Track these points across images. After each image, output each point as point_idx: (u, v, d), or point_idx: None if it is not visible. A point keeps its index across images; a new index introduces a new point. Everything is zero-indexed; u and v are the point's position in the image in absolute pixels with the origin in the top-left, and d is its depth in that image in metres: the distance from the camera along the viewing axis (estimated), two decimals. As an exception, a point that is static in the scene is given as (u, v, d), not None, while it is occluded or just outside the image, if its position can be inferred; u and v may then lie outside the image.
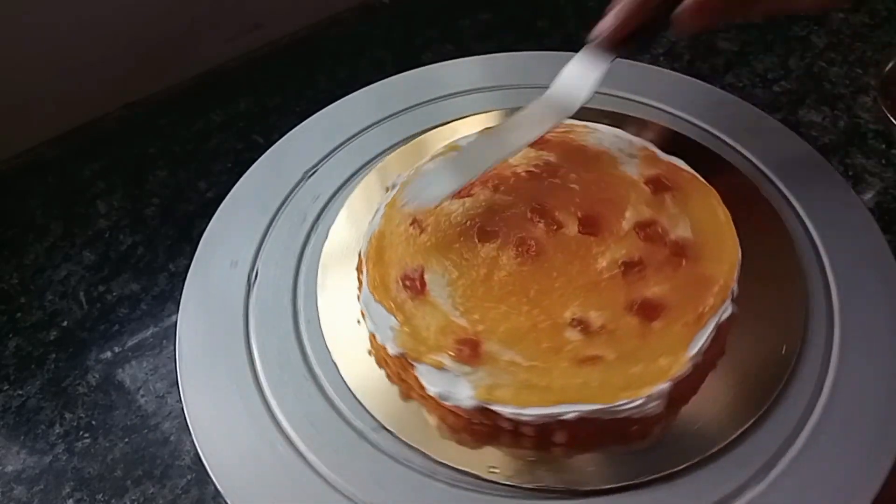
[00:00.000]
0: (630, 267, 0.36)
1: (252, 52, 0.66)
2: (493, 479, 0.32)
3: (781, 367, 0.35)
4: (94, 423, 0.43)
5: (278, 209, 0.45)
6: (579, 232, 0.37)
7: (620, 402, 0.32)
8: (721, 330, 0.34)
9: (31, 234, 0.53)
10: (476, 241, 0.38)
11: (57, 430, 0.43)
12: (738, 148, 0.45)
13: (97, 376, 0.45)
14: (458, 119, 0.48)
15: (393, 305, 0.36)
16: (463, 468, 0.33)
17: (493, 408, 0.32)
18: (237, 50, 0.65)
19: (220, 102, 0.61)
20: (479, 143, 0.39)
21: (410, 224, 0.39)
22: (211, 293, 0.41)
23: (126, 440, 0.42)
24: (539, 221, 0.38)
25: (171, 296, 0.49)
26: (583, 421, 0.32)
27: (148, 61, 0.61)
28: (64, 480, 0.41)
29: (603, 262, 0.36)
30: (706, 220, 0.37)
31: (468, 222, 0.38)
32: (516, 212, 0.38)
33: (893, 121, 0.48)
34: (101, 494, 0.40)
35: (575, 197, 0.39)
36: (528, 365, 0.33)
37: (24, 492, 0.40)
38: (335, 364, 0.37)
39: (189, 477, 0.40)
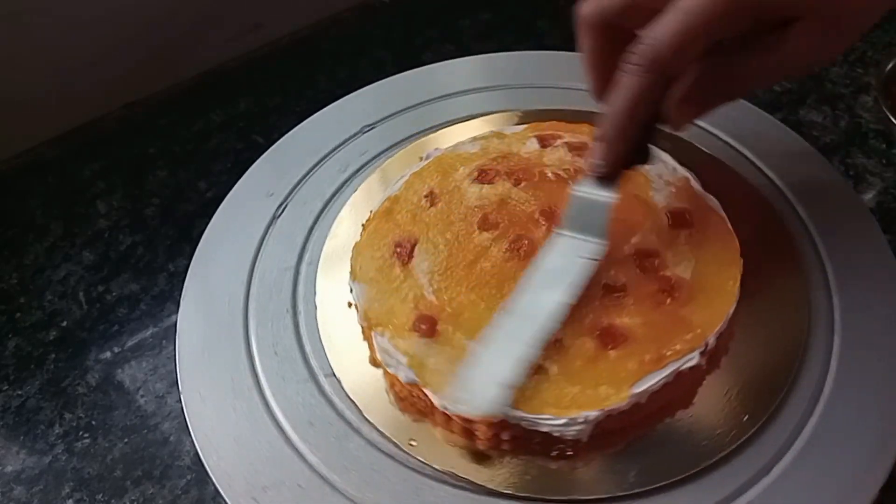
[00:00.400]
0: (610, 290, 0.34)
1: (252, 52, 0.66)
2: (488, 486, 0.32)
3: (783, 373, 0.35)
4: (93, 423, 0.43)
5: (278, 209, 0.45)
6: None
7: (543, 416, 0.31)
8: (683, 378, 0.33)
9: (31, 234, 0.53)
10: (475, 227, 0.38)
11: (56, 431, 0.43)
12: (739, 148, 0.45)
13: (97, 376, 0.45)
14: (458, 119, 0.48)
15: (379, 264, 0.37)
16: (456, 471, 0.33)
17: (423, 388, 0.33)
18: (237, 50, 0.65)
19: (220, 102, 0.61)
20: (509, 322, 0.33)
21: (425, 196, 0.40)
22: (211, 293, 0.41)
23: (126, 440, 0.42)
24: (544, 224, 0.37)
25: (170, 296, 0.49)
26: (505, 424, 0.32)
27: (148, 61, 0.61)
28: (63, 480, 0.41)
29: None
30: (712, 268, 0.36)
31: (476, 208, 0.38)
32: (526, 209, 0.38)
33: (894, 120, 0.48)
34: (100, 494, 0.40)
35: None
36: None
37: (24, 492, 0.40)
38: (332, 368, 0.37)
39: (189, 477, 0.40)
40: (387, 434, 0.34)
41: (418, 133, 0.48)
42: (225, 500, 0.33)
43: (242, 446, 0.35)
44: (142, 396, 0.44)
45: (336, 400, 0.36)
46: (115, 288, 0.50)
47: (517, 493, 0.32)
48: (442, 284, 0.36)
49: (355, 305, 0.37)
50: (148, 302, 0.49)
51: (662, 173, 0.40)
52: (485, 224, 0.38)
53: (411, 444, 0.34)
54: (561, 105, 0.48)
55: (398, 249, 0.38)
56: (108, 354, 0.46)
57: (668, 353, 0.32)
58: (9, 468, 0.41)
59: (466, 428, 0.33)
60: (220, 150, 0.58)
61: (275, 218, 0.44)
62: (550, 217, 0.37)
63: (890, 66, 0.51)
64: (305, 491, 0.33)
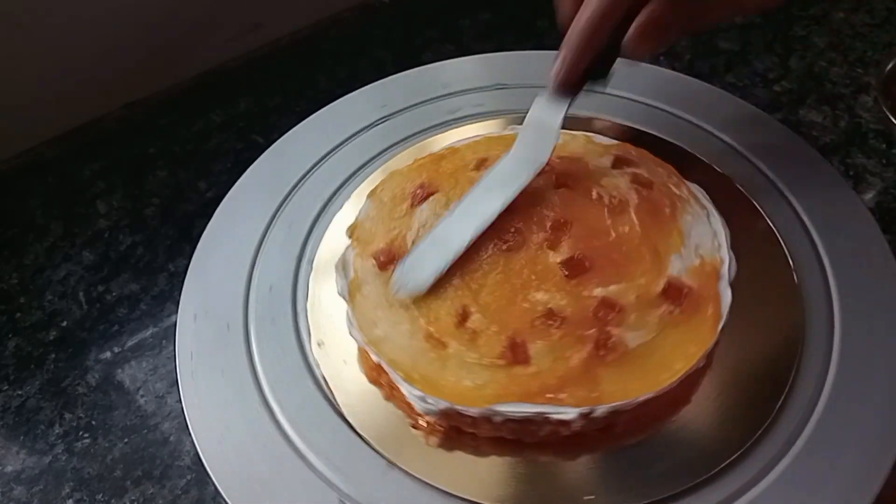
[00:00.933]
0: (549, 317, 0.33)
1: (252, 52, 0.66)
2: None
3: (781, 377, 0.35)
4: (93, 423, 0.43)
5: (278, 209, 0.45)
6: (559, 263, 0.35)
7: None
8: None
9: (31, 234, 0.53)
10: None
11: (56, 431, 0.43)
12: (739, 148, 0.45)
13: (97, 376, 0.45)
14: (458, 119, 0.48)
15: (396, 193, 0.39)
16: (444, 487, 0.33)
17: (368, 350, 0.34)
18: (237, 50, 0.65)
19: (220, 102, 0.61)
20: (457, 215, 0.36)
21: (478, 160, 0.40)
22: (211, 293, 0.41)
23: (126, 440, 0.42)
24: (545, 231, 0.36)
25: (170, 296, 0.49)
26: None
27: (148, 61, 0.61)
28: (63, 480, 0.41)
29: (536, 296, 0.34)
30: (665, 347, 0.33)
31: None
32: (540, 211, 0.37)
33: (894, 121, 0.48)
34: (100, 495, 0.40)
35: (598, 240, 0.35)
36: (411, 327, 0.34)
37: (24, 492, 0.40)
38: (325, 376, 0.37)
39: (189, 477, 0.40)
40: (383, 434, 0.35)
41: (418, 133, 0.48)
42: (225, 500, 0.33)
43: (242, 446, 0.35)
44: (142, 396, 0.44)
45: (337, 399, 0.36)
46: (115, 288, 0.50)
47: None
48: (420, 235, 0.37)
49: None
50: (148, 302, 0.49)
51: (703, 244, 0.36)
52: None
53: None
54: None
55: (417, 191, 0.39)
56: (108, 354, 0.46)
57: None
58: (9, 468, 0.41)
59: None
60: (220, 150, 0.58)
61: (275, 218, 0.44)
62: (557, 228, 0.36)
63: (890, 66, 0.51)
64: (305, 490, 0.33)
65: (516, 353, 0.32)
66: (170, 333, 0.46)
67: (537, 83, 0.50)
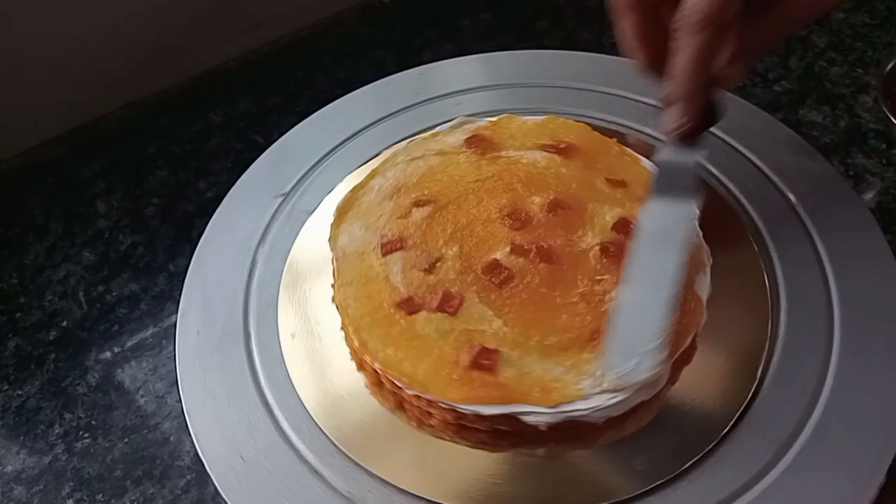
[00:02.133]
0: (501, 274, 0.36)
1: (252, 52, 0.66)
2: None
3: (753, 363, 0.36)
4: (93, 423, 0.43)
5: (278, 209, 0.45)
6: (538, 258, 0.37)
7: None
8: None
9: (31, 234, 0.53)
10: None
11: (57, 430, 0.43)
12: (739, 147, 0.45)
13: (97, 376, 0.45)
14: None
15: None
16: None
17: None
18: (237, 50, 0.65)
19: (220, 102, 0.61)
20: (642, 285, 0.34)
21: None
22: (211, 293, 0.41)
23: (126, 440, 0.42)
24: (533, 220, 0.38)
25: (170, 296, 0.49)
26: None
27: (148, 61, 0.61)
28: (64, 480, 0.41)
29: (498, 253, 0.37)
30: None
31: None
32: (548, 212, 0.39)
33: (894, 121, 0.48)
34: (100, 494, 0.40)
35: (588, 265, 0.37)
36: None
37: (24, 492, 0.40)
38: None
39: (189, 477, 0.40)
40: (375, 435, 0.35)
41: (418, 133, 0.48)
42: (225, 501, 0.33)
43: (242, 446, 0.35)
44: (142, 396, 0.44)
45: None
46: (115, 288, 0.50)
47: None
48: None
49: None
50: (148, 302, 0.49)
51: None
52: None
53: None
54: (560, 105, 0.48)
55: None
56: (108, 354, 0.46)
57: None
58: (9, 468, 0.41)
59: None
60: (220, 150, 0.58)
61: (275, 217, 0.44)
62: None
63: (890, 66, 0.51)
64: (305, 490, 0.33)
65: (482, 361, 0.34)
66: (170, 333, 0.46)
67: (537, 83, 0.50)
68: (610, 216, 0.38)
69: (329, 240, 0.40)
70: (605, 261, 0.36)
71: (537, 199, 0.39)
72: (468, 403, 0.32)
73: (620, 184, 0.40)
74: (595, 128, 0.44)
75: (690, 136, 0.35)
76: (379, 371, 0.34)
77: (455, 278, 0.36)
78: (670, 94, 0.34)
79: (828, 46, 0.60)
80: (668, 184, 0.36)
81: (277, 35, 0.67)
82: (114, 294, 0.49)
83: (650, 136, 0.46)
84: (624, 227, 0.37)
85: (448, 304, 0.35)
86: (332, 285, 0.39)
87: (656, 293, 0.33)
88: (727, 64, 0.33)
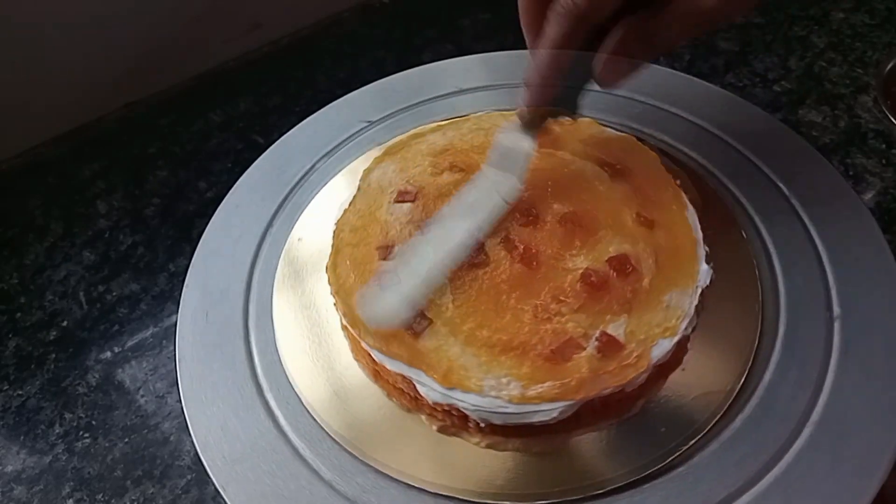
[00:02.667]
0: (477, 258, 0.37)
1: (252, 52, 0.66)
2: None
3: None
4: (94, 423, 0.43)
5: (278, 208, 0.45)
6: (520, 256, 0.37)
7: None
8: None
9: (31, 234, 0.53)
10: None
11: (57, 430, 0.43)
12: (739, 147, 0.45)
13: (97, 376, 0.45)
14: (458, 117, 0.48)
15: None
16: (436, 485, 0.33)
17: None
18: (237, 50, 0.65)
19: (220, 102, 0.61)
20: (422, 246, 0.36)
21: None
22: (211, 293, 0.41)
23: (126, 440, 0.42)
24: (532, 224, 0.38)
25: (171, 296, 0.49)
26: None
27: (148, 61, 0.61)
28: (64, 480, 0.41)
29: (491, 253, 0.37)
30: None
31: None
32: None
33: (893, 121, 0.48)
34: (101, 494, 0.40)
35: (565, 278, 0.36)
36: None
37: (24, 492, 0.40)
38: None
39: (189, 477, 0.40)
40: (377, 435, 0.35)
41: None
42: (225, 501, 0.33)
43: (242, 446, 0.35)
44: (142, 396, 0.44)
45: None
46: (116, 288, 0.50)
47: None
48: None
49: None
50: (148, 302, 0.49)
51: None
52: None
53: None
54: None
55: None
56: (108, 354, 0.46)
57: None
58: (9, 468, 0.41)
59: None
60: (220, 150, 0.58)
61: (275, 217, 0.44)
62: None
63: (890, 66, 0.51)
64: (305, 490, 0.33)
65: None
66: (170, 333, 0.46)
67: (537, 83, 0.50)
68: (613, 248, 0.37)
69: (365, 170, 0.42)
70: (578, 286, 0.35)
71: (556, 206, 0.38)
72: (379, 352, 0.34)
73: (648, 223, 0.38)
74: (666, 162, 0.42)
75: (531, 123, 0.36)
76: (341, 315, 0.36)
77: None
78: (526, 77, 0.34)
79: (828, 46, 0.60)
80: (499, 162, 0.38)
81: (277, 35, 0.67)
82: (114, 294, 0.49)
83: (652, 135, 0.46)
84: (619, 263, 0.36)
85: None
86: (345, 209, 0.41)
87: (439, 255, 0.35)
88: (603, 61, 0.33)
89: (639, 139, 0.43)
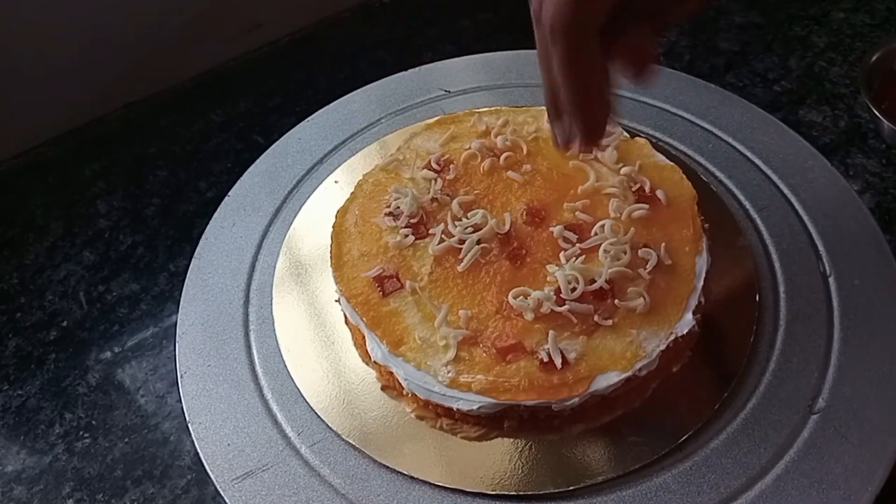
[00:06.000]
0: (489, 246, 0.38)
1: (252, 52, 0.66)
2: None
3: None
4: (94, 423, 0.43)
5: (278, 208, 0.45)
6: (508, 252, 0.38)
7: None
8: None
9: (31, 234, 0.53)
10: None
11: (57, 430, 0.43)
12: (739, 147, 0.45)
13: (97, 376, 0.45)
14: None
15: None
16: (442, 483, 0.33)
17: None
18: (237, 50, 0.65)
19: (220, 102, 0.61)
20: None
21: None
22: (211, 293, 0.41)
23: (126, 440, 0.42)
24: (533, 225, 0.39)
25: (171, 296, 0.49)
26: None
27: (148, 61, 0.61)
28: (64, 480, 0.41)
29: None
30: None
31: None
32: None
33: (875, 112, 0.48)
34: (101, 494, 0.40)
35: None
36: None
37: (24, 492, 0.40)
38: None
39: (189, 477, 0.40)
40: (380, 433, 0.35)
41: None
42: (224, 501, 0.33)
43: (242, 446, 0.35)
44: (142, 396, 0.44)
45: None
46: (116, 288, 0.50)
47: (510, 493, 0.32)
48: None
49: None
50: (148, 302, 0.49)
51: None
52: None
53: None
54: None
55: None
56: (108, 354, 0.46)
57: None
58: (9, 468, 0.41)
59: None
60: (220, 150, 0.58)
61: (275, 217, 0.44)
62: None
63: (873, 59, 0.51)
64: (305, 489, 0.33)
65: None
66: (170, 333, 0.46)
67: (537, 83, 0.50)
68: (603, 270, 0.36)
69: (412, 132, 0.44)
70: (553, 298, 0.35)
71: (566, 216, 0.39)
72: (347, 300, 0.36)
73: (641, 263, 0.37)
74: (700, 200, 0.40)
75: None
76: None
77: (442, 217, 0.39)
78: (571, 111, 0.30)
79: (828, 46, 0.60)
80: None
81: (277, 35, 0.67)
82: (114, 294, 0.49)
83: (652, 134, 0.46)
84: (599, 289, 0.35)
85: (417, 230, 0.38)
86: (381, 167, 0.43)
87: None
88: (634, 74, 0.29)
89: (689, 174, 0.42)
